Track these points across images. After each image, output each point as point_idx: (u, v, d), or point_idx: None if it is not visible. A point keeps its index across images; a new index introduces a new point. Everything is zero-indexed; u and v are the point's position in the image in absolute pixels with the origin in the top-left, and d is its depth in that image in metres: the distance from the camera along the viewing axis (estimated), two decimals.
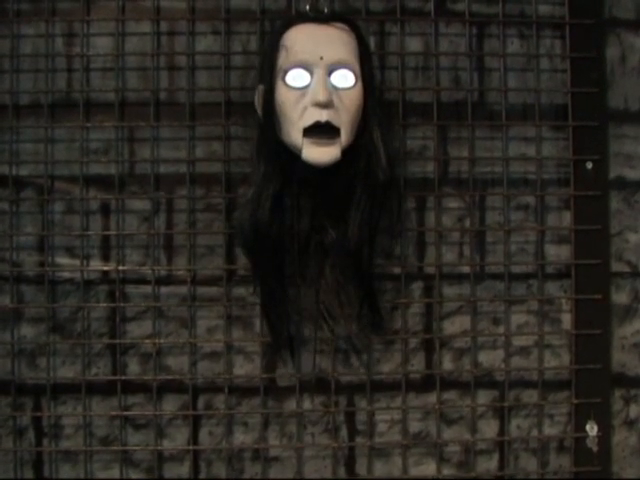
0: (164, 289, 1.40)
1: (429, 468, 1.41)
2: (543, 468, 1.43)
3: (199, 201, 1.40)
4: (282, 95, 1.17)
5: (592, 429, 1.41)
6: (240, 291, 1.39)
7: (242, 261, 1.39)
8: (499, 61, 1.43)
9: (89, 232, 1.39)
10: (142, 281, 1.39)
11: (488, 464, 1.43)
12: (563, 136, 1.44)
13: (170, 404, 1.40)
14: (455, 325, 1.42)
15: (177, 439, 1.40)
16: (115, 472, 1.38)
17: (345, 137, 1.18)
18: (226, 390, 1.38)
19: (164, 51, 1.41)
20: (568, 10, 1.43)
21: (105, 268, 1.39)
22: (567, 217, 1.44)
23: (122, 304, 1.39)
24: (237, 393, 1.40)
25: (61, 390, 1.39)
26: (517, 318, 1.43)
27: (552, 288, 1.44)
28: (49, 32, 1.39)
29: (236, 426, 1.40)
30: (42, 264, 1.39)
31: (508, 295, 1.42)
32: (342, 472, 1.41)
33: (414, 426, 1.42)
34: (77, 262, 1.39)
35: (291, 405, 1.40)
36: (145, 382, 1.38)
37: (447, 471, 1.42)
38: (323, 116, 1.15)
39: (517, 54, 1.44)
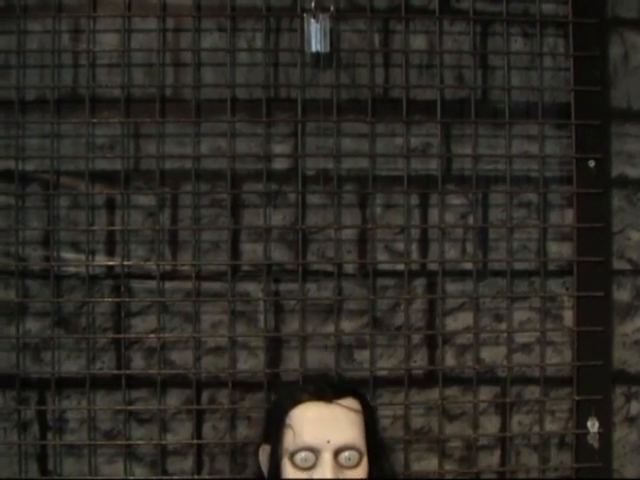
0: (169, 284, 1.40)
1: (431, 463, 1.42)
2: (544, 464, 1.43)
3: (204, 197, 1.41)
4: (290, 476, 1.17)
5: (593, 426, 1.42)
6: (244, 286, 1.40)
7: (247, 257, 1.40)
8: (503, 59, 1.44)
9: (94, 227, 1.40)
10: (147, 276, 1.40)
11: (490, 460, 1.44)
12: (566, 134, 1.45)
13: (174, 398, 1.40)
14: (458, 321, 1.43)
15: (181, 433, 1.40)
16: (119, 466, 1.39)
17: None
18: (230, 385, 1.39)
19: (170, 48, 1.42)
20: (571, 9, 1.44)
21: (110, 263, 1.40)
22: (569, 215, 1.45)
23: (127, 299, 1.39)
24: (241, 388, 1.40)
25: (65, 384, 1.40)
26: (519, 315, 1.44)
27: (554, 285, 1.45)
28: (55, 28, 1.40)
29: (239, 421, 1.41)
30: (47, 259, 1.39)
31: (510, 292, 1.43)
32: None
33: (416, 422, 1.42)
34: (82, 257, 1.39)
35: None
36: (149, 376, 1.39)
37: (449, 466, 1.43)
38: None
39: (521, 52, 1.45)
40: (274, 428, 1.21)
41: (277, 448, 1.19)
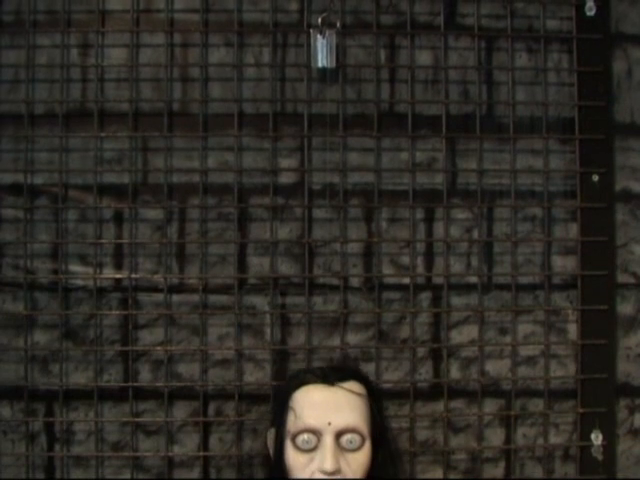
0: (176, 297, 1.42)
1: (436, 475, 1.43)
2: (549, 476, 1.44)
3: (211, 210, 1.42)
4: (291, 458, 1.17)
5: (597, 438, 1.43)
6: (251, 299, 1.41)
7: (253, 270, 1.41)
8: (507, 74, 1.45)
9: (102, 240, 1.41)
10: (154, 289, 1.41)
11: (494, 472, 1.44)
12: (570, 149, 1.46)
13: (181, 411, 1.41)
14: (463, 335, 1.44)
15: (187, 445, 1.41)
16: (126, 477, 1.39)
17: None
18: (236, 397, 1.40)
19: (177, 62, 1.43)
20: (575, 25, 1.45)
21: (118, 276, 1.41)
22: (573, 229, 1.46)
23: (134, 312, 1.40)
24: (247, 400, 1.41)
25: (73, 396, 1.41)
26: (524, 328, 1.45)
27: (558, 299, 1.46)
28: (64, 43, 1.41)
29: (246, 433, 1.41)
30: (56, 272, 1.40)
31: (515, 305, 1.44)
32: None
33: (422, 434, 1.43)
34: (90, 270, 1.40)
35: None
36: (156, 389, 1.40)
37: (454, 478, 1.43)
38: None
39: (525, 68, 1.46)
40: (279, 411, 1.21)
41: (281, 430, 1.19)
